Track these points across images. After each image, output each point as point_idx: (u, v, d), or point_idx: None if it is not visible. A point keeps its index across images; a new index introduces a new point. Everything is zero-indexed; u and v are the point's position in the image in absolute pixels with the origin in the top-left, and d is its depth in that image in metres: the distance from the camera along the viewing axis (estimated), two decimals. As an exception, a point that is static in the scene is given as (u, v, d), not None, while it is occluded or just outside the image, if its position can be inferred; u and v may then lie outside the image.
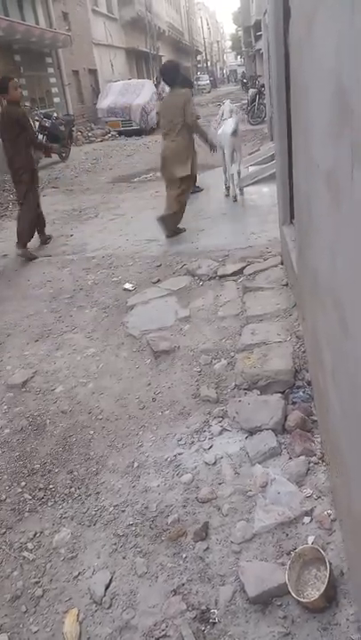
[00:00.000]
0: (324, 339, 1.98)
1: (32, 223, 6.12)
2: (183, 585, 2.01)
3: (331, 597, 1.78)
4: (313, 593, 1.80)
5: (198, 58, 68.15)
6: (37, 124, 12.75)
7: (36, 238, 6.35)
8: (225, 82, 70.84)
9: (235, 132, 6.80)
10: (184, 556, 2.13)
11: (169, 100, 5.91)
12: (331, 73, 1.44)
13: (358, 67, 1.12)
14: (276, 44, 3.63)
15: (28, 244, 6.08)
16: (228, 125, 6.89)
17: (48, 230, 6.69)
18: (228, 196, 7.42)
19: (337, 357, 1.72)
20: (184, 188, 5.97)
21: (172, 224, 6.00)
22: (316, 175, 1.89)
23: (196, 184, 7.43)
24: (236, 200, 7.12)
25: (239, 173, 7.25)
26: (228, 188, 7.46)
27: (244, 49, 40.54)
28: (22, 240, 5.95)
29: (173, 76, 5.85)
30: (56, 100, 17.81)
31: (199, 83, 45.57)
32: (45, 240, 6.52)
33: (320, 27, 1.64)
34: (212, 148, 6.45)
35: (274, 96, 3.83)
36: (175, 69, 5.94)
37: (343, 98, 1.30)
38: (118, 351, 3.71)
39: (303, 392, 2.79)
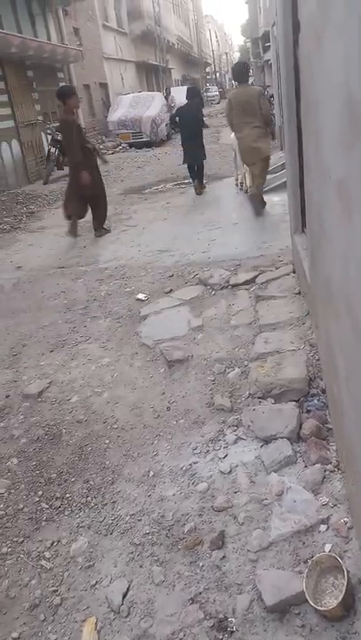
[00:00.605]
0: (338, 346, 1.99)
1: (75, 203, 7.20)
2: (200, 593, 2.01)
3: (349, 606, 1.77)
4: (331, 601, 1.79)
5: (207, 69, 68.76)
6: (50, 137, 12.93)
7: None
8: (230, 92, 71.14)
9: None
10: (201, 564, 2.13)
11: (242, 94, 6.68)
12: (341, 86, 1.47)
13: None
14: (286, 55, 3.68)
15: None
16: None
17: (61, 241, 6.80)
18: (240, 190, 8.40)
19: (351, 364, 1.73)
20: (267, 164, 6.98)
21: (261, 201, 7.00)
22: (328, 185, 1.92)
23: None
24: (247, 192, 7.59)
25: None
26: (240, 184, 8.41)
27: (252, 60, 40.84)
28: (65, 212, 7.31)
29: (243, 73, 6.92)
30: (68, 113, 18.05)
31: (208, 94, 45.93)
32: (97, 227, 7.35)
33: (329, 41, 1.67)
34: (274, 136, 8.02)
35: (284, 107, 3.87)
36: (245, 68, 7.22)
37: (354, 110, 1.32)
38: (132, 361, 3.74)
39: (318, 400, 2.80)
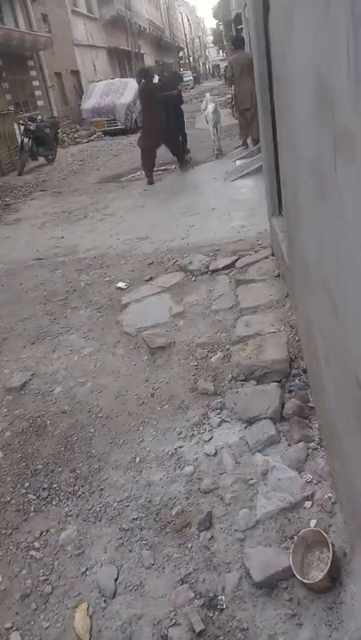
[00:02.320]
0: (317, 325, 2.02)
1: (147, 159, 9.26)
2: (190, 574, 2.04)
3: (335, 578, 1.82)
4: (317, 574, 1.84)
5: (180, 54, 67.96)
6: (22, 127, 12.71)
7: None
8: (208, 77, 70.63)
9: (215, 111, 10.05)
10: (189, 546, 2.16)
11: (240, 57, 8.98)
12: (310, 65, 1.48)
13: (335, 59, 1.15)
14: (257, 37, 3.66)
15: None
16: (210, 107, 10.19)
17: (37, 232, 6.74)
18: (217, 157, 10.12)
19: (329, 342, 1.76)
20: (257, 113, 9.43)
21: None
22: (302, 166, 1.93)
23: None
24: (218, 155, 10.05)
25: (220, 139, 10.35)
26: (216, 150, 10.23)
27: (225, 43, 40.52)
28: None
29: (240, 42, 9.46)
30: (40, 102, 17.75)
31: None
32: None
33: (298, 20, 1.67)
34: None
35: (257, 89, 3.86)
36: (242, 38, 9.82)
37: (323, 89, 1.33)
38: (115, 350, 3.74)
39: (299, 380, 2.83)
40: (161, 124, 9.07)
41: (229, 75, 9.31)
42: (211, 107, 10.12)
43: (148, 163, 9.29)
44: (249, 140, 9.59)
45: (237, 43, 9.56)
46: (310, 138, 1.66)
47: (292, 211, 2.61)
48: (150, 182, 9.18)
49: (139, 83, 10.30)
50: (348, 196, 1.19)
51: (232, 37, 10.40)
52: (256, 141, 8.66)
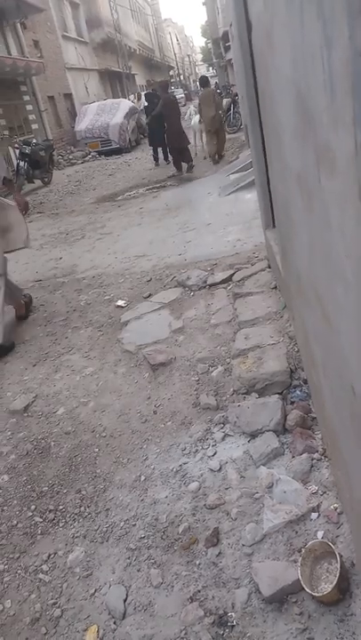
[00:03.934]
0: (313, 334, 2.03)
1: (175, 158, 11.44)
2: (199, 592, 2.03)
3: (344, 589, 1.81)
4: (326, 587, 1.82)
5: (171, 73, 68.88)
6: (18, 151, 12.87)
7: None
8: (199, 94, 71.30)
9: (199, 121, 12.19)
10: (197, 562, 2.15)
11: (204, 94, 11.45)
12: (290, 81, 1.51)
13: (312, 75, 1.18)
14: (243, 53, 3.73)
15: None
16: (196, 118, 12.85)
17: (36, 254, 6.78)
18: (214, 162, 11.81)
19: (325, 351, 1.77)
20: (223, 134, 12.09)
21: (216, 161, 11.54)
22: (290, 179, 1.96)
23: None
24: (214, 159, 11.62)
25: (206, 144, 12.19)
26: (208, 154, 11.99)
27: (215, 60, 41.02)
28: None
29: (205, 81, 11.74)
30: (34, 126, 17.99)
31: (174, 97, 45.90)
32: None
33: (277, 38, 1.71)
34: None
35: (245, 104, 3.91)
36: (205, 78, 12.06)
37: (303, 104, 1.36)
38: (116, 368, 3.75)
39: (300, 391, 2.83)
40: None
41: (198, 108, 11.75)
42: (196, 118, 12.81)
43: (185, 158, 11.21)
44: (216, 157, 11.51)
45: (203, 82, 11.84)
46: (296, 152, 1.69)
47: (284, 223, 2.64)
48: (182, 172, 11.28)
49: (159, 95, 11.91)
50: (333, 208, 1.21)
51: (198, 79, 12.76)
52: (219, 156, 11.54)
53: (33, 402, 3.55)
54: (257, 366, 3.03)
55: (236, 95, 15.09)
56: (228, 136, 14.79)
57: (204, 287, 4.61)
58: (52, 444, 3.11)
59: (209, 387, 3.21)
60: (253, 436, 2.66)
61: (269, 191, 3.69)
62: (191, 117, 13.95)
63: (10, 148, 14.01)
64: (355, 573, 1.85)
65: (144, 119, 16.65)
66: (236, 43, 4.05)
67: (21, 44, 17.18)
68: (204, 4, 36.91)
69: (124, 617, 2.03)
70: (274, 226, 3.96)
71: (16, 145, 13.46)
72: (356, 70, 0.85)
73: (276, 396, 2.83)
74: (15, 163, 13.18)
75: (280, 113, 2.01)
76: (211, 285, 4.57)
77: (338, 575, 1.78)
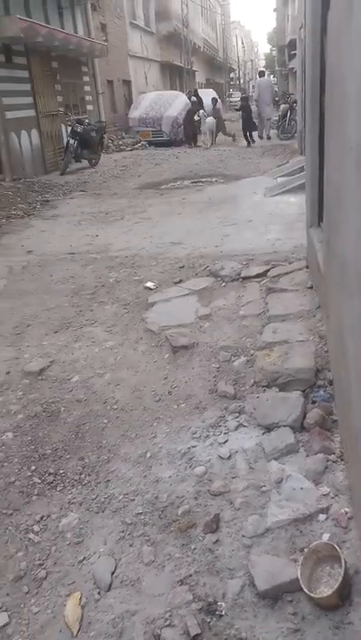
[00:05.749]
0: (349, 326, 1.92)
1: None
2: (190, 576, 1.94)
3: (345, 596, 1.69)
4: (326, 590, 1.72)
5: (231, 75, 68.67)
6: (70, 129, 12.92)
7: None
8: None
9: (213, 122, 16.34)
10: (193, 547, 2.06)
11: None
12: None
13: None
14: (313, 43, 3.61)
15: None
16: (210, 119, 17.23)
17: (73, 229, 6.80)
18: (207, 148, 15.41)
19: (360, 343, 1.66)
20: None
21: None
22: (349, 158, 1.85)
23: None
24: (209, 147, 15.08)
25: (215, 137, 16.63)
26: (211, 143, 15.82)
27: (277, 68, 40.80)
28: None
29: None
30: (89, 107, 18.06)
31: (230, 99, 45.69)
32: None
33: (359, 12, 1.61)
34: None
35: (308, 97, 3.80)
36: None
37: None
38: (137, 345, 3.68)
39: (324, 391, 2.72)
40: None
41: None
42: (210, 119, 17.18)
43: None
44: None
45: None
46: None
47: (333, 210, 2.52)
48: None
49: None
50: None
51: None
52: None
53: (49, 366, 3.51)
54: (282, 361, 2.92)
55: (295, 102, 14.93)
56: (280, 142, 15.15)
57: (237, 279, 4.50)
58: (62, 409, 3.06)
59: (228, 375, 3.11)
60: (269, 429, 2.55)
61: (320, 187, 3.57)
62: (206, 120, 17.49)
63: (63, 124, 14.07)
64: (358, 582, 1.74)
65: (202, 113, 18.00)
66: (308, 41, 3.92)
67: (89, 26, 17.26)
68: (274, 10, 36.69)
69: (109, 589, 1.95)
70: (319, 225, 3.83)
71: (69, 122, 13.51)
72: None
73: (298, 392, 2.71)
74: (65, 140, 13.23)
75: (350, 92, 1.90)
76: (244, 278, 4.46)
77: (340, 580, 1.67)
